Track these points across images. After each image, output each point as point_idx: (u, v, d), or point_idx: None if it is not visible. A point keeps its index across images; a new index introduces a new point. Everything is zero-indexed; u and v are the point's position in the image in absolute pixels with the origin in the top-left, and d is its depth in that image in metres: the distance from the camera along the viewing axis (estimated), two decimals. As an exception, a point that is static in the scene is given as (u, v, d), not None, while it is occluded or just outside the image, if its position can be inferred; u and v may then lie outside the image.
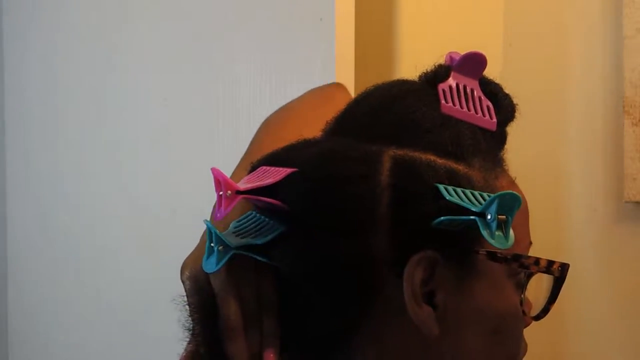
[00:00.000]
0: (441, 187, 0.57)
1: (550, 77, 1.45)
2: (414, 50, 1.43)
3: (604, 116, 1.40)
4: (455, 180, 0.58)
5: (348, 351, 0.61)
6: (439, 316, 0.58)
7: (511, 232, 0.57)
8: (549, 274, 0.62)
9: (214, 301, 0.61)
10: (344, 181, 0.58)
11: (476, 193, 0.58)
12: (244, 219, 0.62)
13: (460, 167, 0.60)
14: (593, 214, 1.41)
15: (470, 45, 1.58)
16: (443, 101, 0.62)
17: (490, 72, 1.60)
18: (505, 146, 0.66)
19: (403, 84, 0.65)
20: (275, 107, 1.21)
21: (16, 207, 1.62)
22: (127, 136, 1.46)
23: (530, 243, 0.69)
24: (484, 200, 0.57)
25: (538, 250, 1.61)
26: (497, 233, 0.56)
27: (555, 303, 0.64)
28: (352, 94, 1.19)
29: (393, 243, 0.58)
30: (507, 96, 0.66)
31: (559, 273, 0.62)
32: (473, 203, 0.57)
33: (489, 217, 0.55)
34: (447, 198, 0.56)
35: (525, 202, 0.65)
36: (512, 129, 0.66)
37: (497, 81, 0.67)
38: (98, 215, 1.50)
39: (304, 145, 0.64)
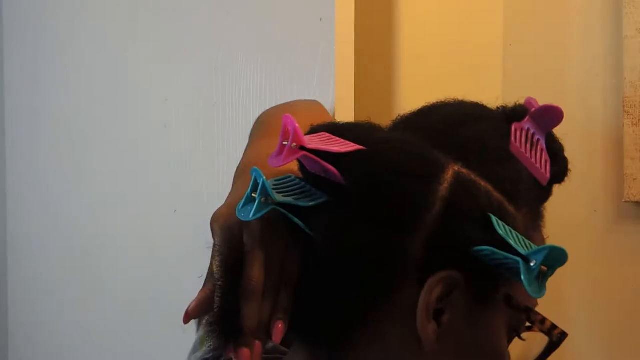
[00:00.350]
0: (494, 218, 0.57)
1: (550, 77, 1.44)
2: (414, 50, 1.43)
3: (604, 116, 1.40)
4: (504, 217, 0.59)
5: (348, 343, 0.61)
6: (439, 334, 0.59)
7: (545, 285, 0.57)
8: (547, 335, 0.63)
9: (242, 257, 0.60)
10: (408, 176, 0.58)
11: (521, 237, 0.58)
12: (284, 179, 0.61)
13: (511, 208, 0.60)
14: (593, 214, 1.41)
15: (471, 45, 1.59)
16: (513, 139, 0.62)
17: (490, 72, 1.61)
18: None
19: (479, 107, 0.66)
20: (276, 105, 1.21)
21: (16, 207, 1.62)
22: (127, 136, 1.46)
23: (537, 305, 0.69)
24: (527, 245, 0.57)
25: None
26: (534, 281, 0.56)
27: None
28: (352, 93, 1.19)
29: (428, 252, 0.58)
30: (565, 160, 0.67)
31: (556, 338, 0.63)
32: (519, 245, 0.57)
33: (532, 263, 0.56)
34: (498, 231, 0.57)
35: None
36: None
37: (561, 142, 0.68)
38: (98, 215, 1.50)
39: (372, 127, 0.64)
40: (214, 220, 0.64)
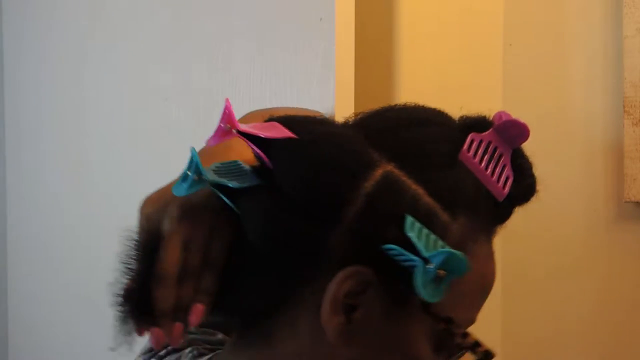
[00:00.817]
0: (409, 219, 0.57)
1: (550, 77, 1.45)
2: (414, 50, 1.43)
3: (604, 116, 1.40)
4: (430, 223, 0.58)
5: (268, 328, 0.62)
6: (349, 329, 0.59)
7: (444, 290, 0.56)
8: (471, 352, 0.61)
9: (158, 243, 0.62)
10: (333, 169, 0.58)
11: (441, 243, 0.57)
12: (229, 163, 0.63)
13: (443, 216, 0.59)
14: (593, 214, 1.41)
15: (471, 45, 1.59)
16: (465, 148, 0.61)
17: (490, 72, 1.61)
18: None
19: (439, 114, 0.65)
20: (274, 107, 1.21)
21: (16, 207, 1.62)
22: (127, 136, 1.46)
23: (473, 322, 0.65)
24: (434, 249, 0.56)
25: (538, 249, 1.61)
26: (430, 284, 0.55)
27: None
28: (352, 93, 1.19)
29: (345, 246, 0.58)
30: (531, 177, 0.64)
31: (480, 356, 0.61)
32: (427, 248, 0.56)
33: (430, 265, 0.55)
34: (406, 231, 0.56)
35: (489, 282, 0.64)
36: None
37: (530, 160, 0.65)
38: (98, 215, 1.50)
39: (320, 122, 0.64)
40: (141, 206, 0.66)
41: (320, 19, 1.19)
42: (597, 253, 1.42)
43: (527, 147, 0.64)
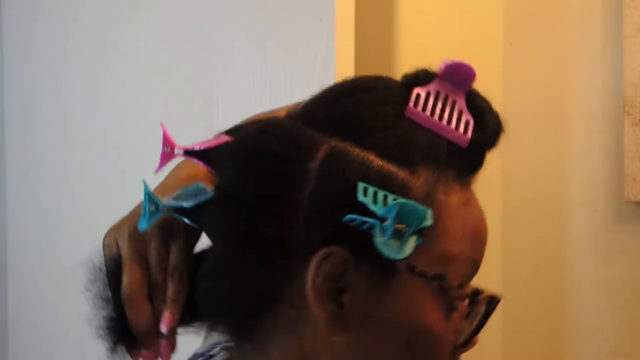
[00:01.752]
0: (361, 185, 0.55)
1: (550, 77, 1.45)
2: (414, 50, 1.43)
3: (604, 116, 1.40)
4: (387, 184, 0.56)
5: (258, 337, 0.61)
6: (343, 314, 0.57)
7: (410, 244, 0.55)
8: (473, 303, 0.60)
9: (120, 268, 0.64)
10: (273, 159, 0.57)
11: (392, 198, 0.55)
12: (191, 187, 0.63)
13: (401, 173, 0.57)
14: (593, 214, 1.41)
15: (471, 45, 1.59)
16: (411, 104, 0.59)
17: (490, 72, 1.61)
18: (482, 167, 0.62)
19: (375, 79, 0.63)
20: (275, 107, 1.21)
21: (16, 207, 1.62)
22: (127, 137, 1.46)
23: (474, 274, 0.62)
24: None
25: (538, 249, 1.61)
26: (390, 241, 0.54)
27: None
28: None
29: (308, 233, 0.56)
30: (493, 117, 0.61)
31: (485, 304, 0.60)
32: (380, 208, 0.55)
33: (386, 222, 0.54)
34: (359, 197, 0.55)
35: (475, 230, 0.61)
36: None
37: (488, 98, 0.62)
38: (98, 215, 1.50)
39: (259, 120, 0.63)
40: (103, 237, 0.68)
41: (320, 19, 1.20)
42: (597, 253, 1.42)
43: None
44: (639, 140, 1.34)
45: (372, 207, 0.54)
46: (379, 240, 0.54)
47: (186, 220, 0.61)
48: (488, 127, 0.61)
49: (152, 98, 1.42)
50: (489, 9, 1.48)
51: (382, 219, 0.54)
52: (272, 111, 0.89)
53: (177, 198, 0.62)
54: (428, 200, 0.57)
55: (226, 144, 0.60)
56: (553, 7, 1.45)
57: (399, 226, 0.54)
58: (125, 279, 0.63)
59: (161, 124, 0.62)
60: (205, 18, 1.35)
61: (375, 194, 0.55)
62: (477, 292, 0.60)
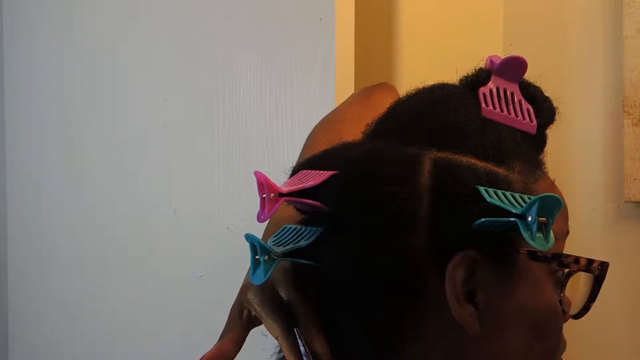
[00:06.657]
0: (482, 189, 0.58)
1: (550, 77, 1.44)
2: (414, 50, 1.43)
3: (604, 116, 1.40)
4: (495, 183, 0.59)
5: (393, 355, 0.61)
6: (480, 315, 0.59)
7: (551, 233, 0.57)
8: (588, 272, 0.63)
9: (289, 308, 0.63)
10: (384, 182, 0.59)
11: (516, 195, 0.59)
12: (280, 233, 0.64)
13: (501, 171, 0.60)
14: (593, 214, 1.41)
15: (471, 45, 1.58)
16: (483, 105, 0.63)
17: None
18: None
19: (444, 87, 0.67)
20: (275, 107, 1.21)
21: (16, 207, 1.62)
22: (127, 136, 1.46)
23: (568, 232, 0.70)
24: (524, 202, 0.57)
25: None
26: (537, 235, 0.56)
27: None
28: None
29: (434, 244, 0.58)
30: (546, 99, 0.68)
31: (598, 272, 0.64)
32: (514, 205, 0.57)
33: (529, 219, 0.56)
34: (488, 200, 0.57)
35: (564, 203, 0.65)
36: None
37: (536, 84, 0.68)
38: (99, 215, 1.50)
39: (344, 148, 0.65)
40: (243, 292, 0.67)
41: (320, 19, 1.19)
42: (597, 253, 1.42)
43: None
44: (639, 140, 1.34)
45: (508, 207, 0.57)
46: (527, 236, 0.56)
47: (303, 261, 0.61)
48: (544, 110, 0.67)
49: (152, 98, 1.42)
50: (489, 9, 1.48)
51: (521, 216, 0.56)
52: (333, 122, 0.89)
53: (278, 244, 0.62)
54: (527, 191, 0.60)
55: (333, 177, 0.61)
56: (553, 7, 1.45)
57: (541, 219, 0.56)
58: (303, 310, 0.63)
59: (257, 172, 0.62)
60: (205, 18, 1.35)
61: (496, 193, 0.58)
62: (590, 262, 0.63)
